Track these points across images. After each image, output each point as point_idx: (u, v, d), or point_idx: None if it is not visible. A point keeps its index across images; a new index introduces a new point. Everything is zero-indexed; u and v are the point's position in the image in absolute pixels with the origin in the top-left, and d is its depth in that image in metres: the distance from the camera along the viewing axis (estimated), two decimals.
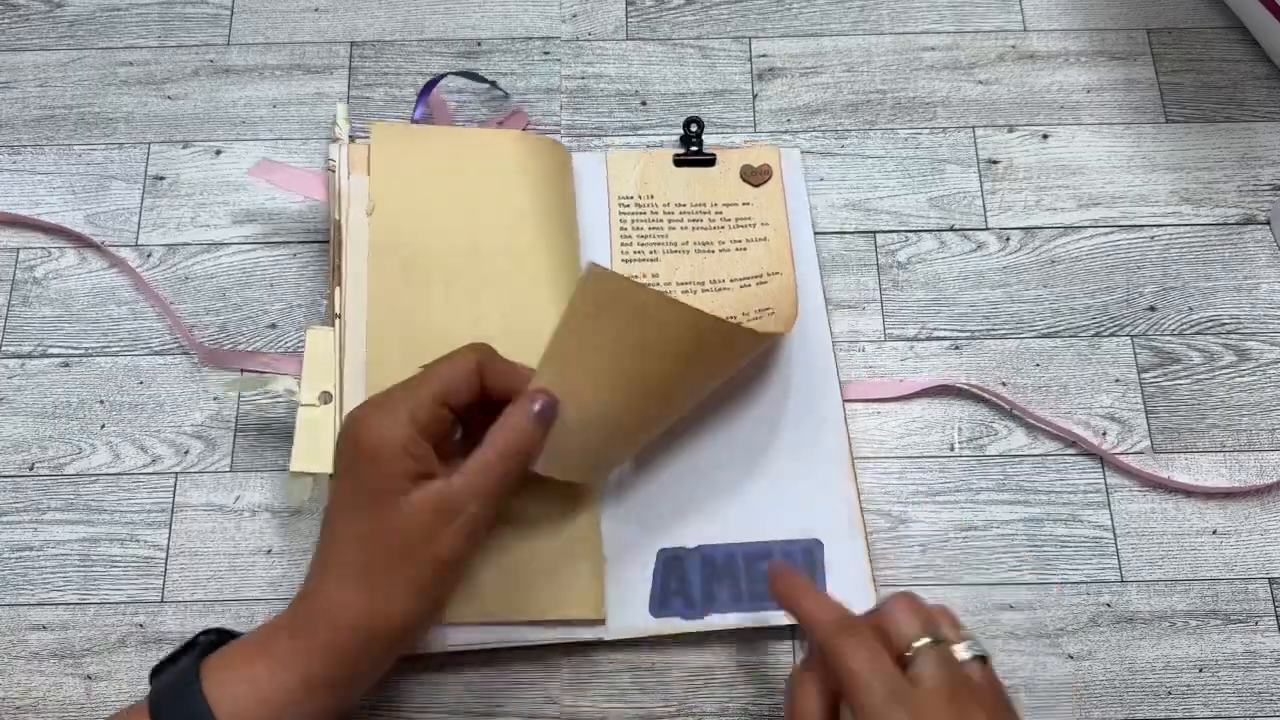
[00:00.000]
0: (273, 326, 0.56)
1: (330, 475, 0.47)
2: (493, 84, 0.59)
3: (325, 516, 0.43)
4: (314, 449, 0.49)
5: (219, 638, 0.42)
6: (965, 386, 0.54)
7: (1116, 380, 0.54)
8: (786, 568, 0.46)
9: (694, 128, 0.58)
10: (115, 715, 0.40)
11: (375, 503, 0.41)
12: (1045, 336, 0.55)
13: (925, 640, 0.39)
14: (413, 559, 0.41)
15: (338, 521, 0.42)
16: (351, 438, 0.42)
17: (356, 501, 0.41)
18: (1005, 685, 0.40)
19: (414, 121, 0.58)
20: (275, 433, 0.53)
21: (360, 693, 0.42)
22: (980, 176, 0.59)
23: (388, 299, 0.51)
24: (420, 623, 0.43)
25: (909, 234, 0.57)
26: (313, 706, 0.40)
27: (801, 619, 0.42)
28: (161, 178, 0.59)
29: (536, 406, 0.42)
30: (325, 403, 0.50)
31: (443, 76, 0.59)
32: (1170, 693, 0.49)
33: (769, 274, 0.54)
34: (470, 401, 0.43)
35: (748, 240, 0.55)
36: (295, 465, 0.48)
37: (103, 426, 0.54)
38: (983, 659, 0.39)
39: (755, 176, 0.57)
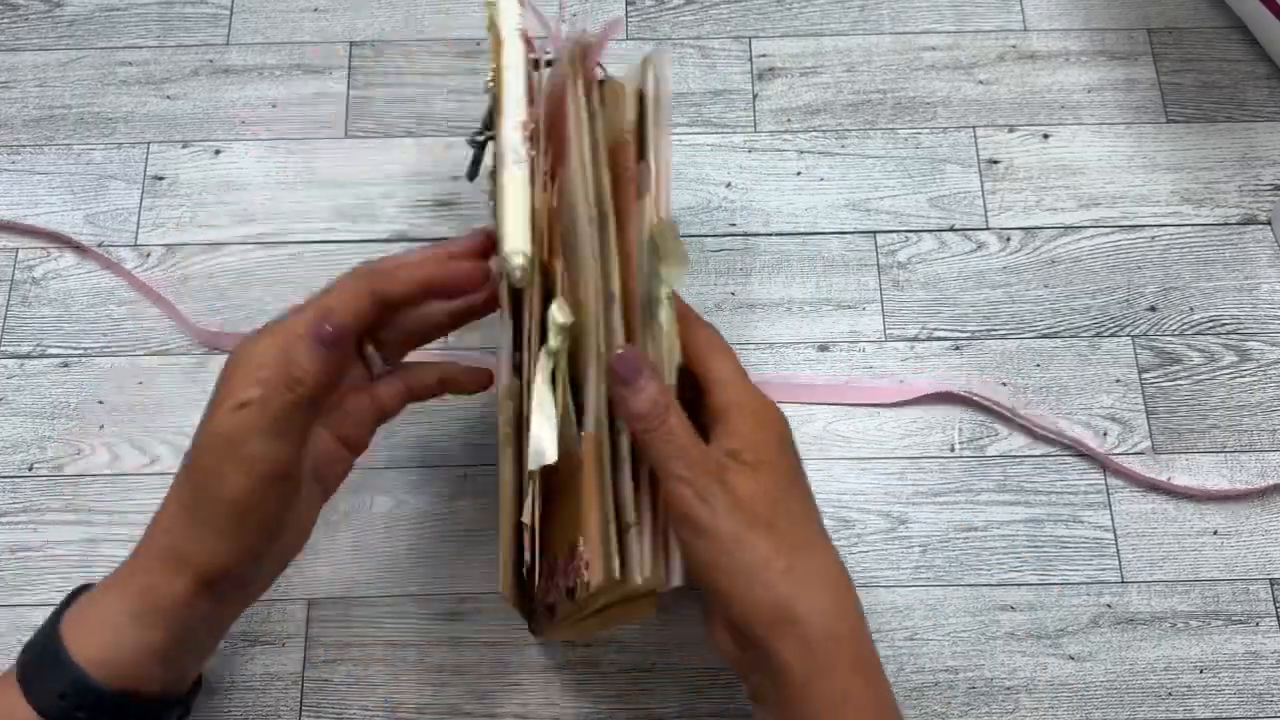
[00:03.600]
0: None
1: None
2: None
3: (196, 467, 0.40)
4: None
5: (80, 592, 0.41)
6: (964, 394, 0.53)
7: (1117, 380, 0.54)
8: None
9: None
10: None
11: (200, 429, 0.39)
12: (1046, 337, 0.55)
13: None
14: (208, 501, 0.39)
15: (214, 470, 0.39)
16: (230, 371, 0.40)
17: (236, 457, 0.38)
18: None
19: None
20: None
21: (198, 631, 0.40)
22: (981, 176, 0.59)
23: None
24: (231, 565, 0.39)
25: (909, 234, 0.57)
26: (147, 633, 0.38)
27: (682, 327, 0.40)
28: (161, 178, 0.59)
29: (317, 334, 0.39)
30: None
31: None
32: (1171, 694, 0.49)
33: None
34: (366, 328, 0.41)
35: None
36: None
37: (102, 427, 0.53)
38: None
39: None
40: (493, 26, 0.44)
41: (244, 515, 0.39)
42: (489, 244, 0.44)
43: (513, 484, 0.42)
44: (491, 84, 0.44)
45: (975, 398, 0.53)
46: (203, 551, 0.39)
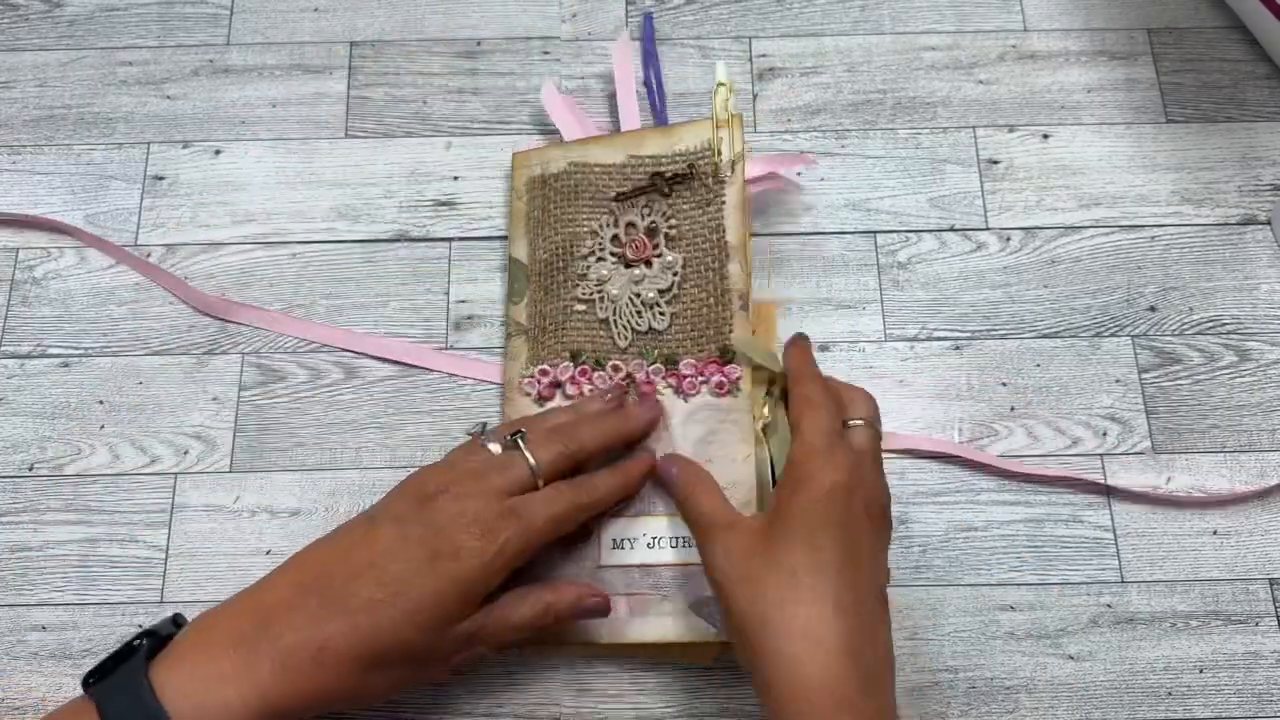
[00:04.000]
0: None
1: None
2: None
3: (370, 572, 0.41)
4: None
5: (157, 640, 0.41)
6: (954, 453, 0.53)
7: (1117, 380, 0.54)
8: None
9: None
10: (55, 712, 0.40)
11: (427, 619, 0.41)
12: (1046, 337, 0.55)
13: (859, 421, 0.45)
14: (423, 667, 0.42)
15: (377, 596, 0.41)
16: (441, 535, 0.42)
17: (408, 605, 0.41)
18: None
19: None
20: (275, 433, 0.53)
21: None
22: (981, 176, 0.59)
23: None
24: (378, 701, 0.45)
25: (909, 234, 0.57)
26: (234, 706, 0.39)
27: (787, 366, 0.48)
28: (161, 178, 0.59)
29: (586, 603, 0.45)
30: None
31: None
32: (1171, 693, 0.49)
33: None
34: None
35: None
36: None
37: (102, 427, 0.53)
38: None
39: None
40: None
41: (399, 660, 0.41)
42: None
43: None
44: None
45: (967, 456, 0.53)
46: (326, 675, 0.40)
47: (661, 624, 0.47)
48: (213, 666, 0.39)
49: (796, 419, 0.44)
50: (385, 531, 0.42)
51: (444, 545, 0.41)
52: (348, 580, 0.41)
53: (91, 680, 0.40)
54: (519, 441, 0.45)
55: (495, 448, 0.46)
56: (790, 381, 0.47)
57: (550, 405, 0.51)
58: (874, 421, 0.45)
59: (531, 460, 0.45)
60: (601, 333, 0.52)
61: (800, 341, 0.49)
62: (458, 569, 0.41)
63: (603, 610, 0.46)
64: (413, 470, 0.45)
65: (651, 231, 0.53)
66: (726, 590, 0.41)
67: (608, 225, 0.53)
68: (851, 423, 0.44)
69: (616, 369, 0.51)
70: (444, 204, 0.58)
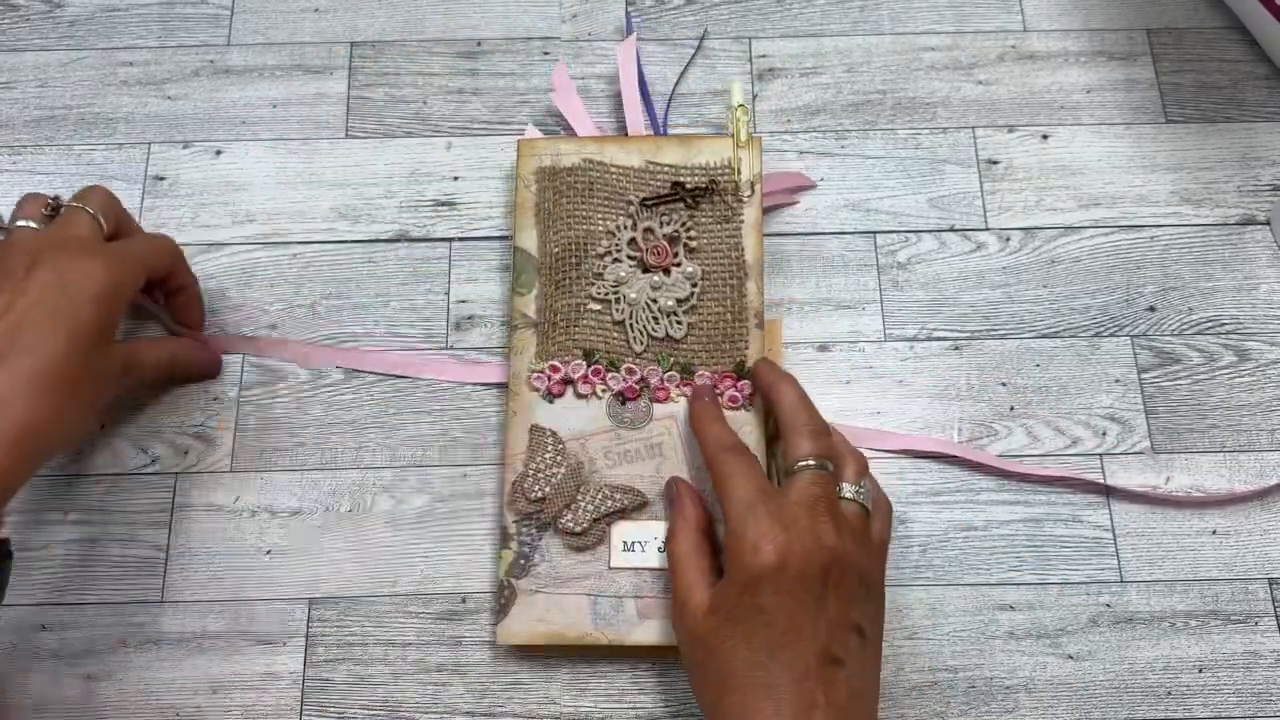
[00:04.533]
0: (273, 327, 0.56)
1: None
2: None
3: (17, 338, 0.43)
4: None
5: None
6: (953, 453, 0.53)
7: (1117, 380, 0.55)
8: (705, 391, 0.50)
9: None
10: None
11: (93, 344, 0.44)
12: (1045, 337, 0.55)
13: (810, 463, 0.44)
14: (89, 393, 0.45)
15: (28, 326, 0.43)
16: (83, 274, 0.45)
17: (72, 336, 0.43)
18: (879, 544, 0.45)
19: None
20: (275, 433, 0.53)
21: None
22: (980, 177, 0.59)
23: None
24: (55, 449, 0.46)
25: (909, 234, 0.57)
26: None
27: (699, 437, 0.48)
28: (162, 178, 0.59)
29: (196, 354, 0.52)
30: None
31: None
32: (1170, 693, 0.49)
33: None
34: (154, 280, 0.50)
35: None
36: None
37: (102, 427, 0.54)
38: (864, 509, 0.44)
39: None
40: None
41: (64, 379, 0.43)
42: None
43: None
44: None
45: (958, 454, 0.53)
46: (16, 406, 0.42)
47: (669, 627, 0.47)
48: None
49: (719, 484, 0.45)
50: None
51: (80, 280, 0.44)
52: None
53: None
54: (61, 201, 0.48)
55: (31, 223, 0.48)
56: (701, 445, 0.47)
57: (559, 402, 0.51)
58: (823, 459, 0.44)
59: (86, 208, 0.48)
60: (616, 334, 0.52)
61: (701, 390, 0.50)
62: (89, 288, 0.44)
63: (207, 368, 0.54)
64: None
65: (672, 240, 0.53)
66: (685, 664, 0.44)
67: (625, 227, 0.53)
68: (797, 466, 0.44)
69: (631, 372, 0.51)
70: (444, 204, 0.58)
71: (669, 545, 0.46)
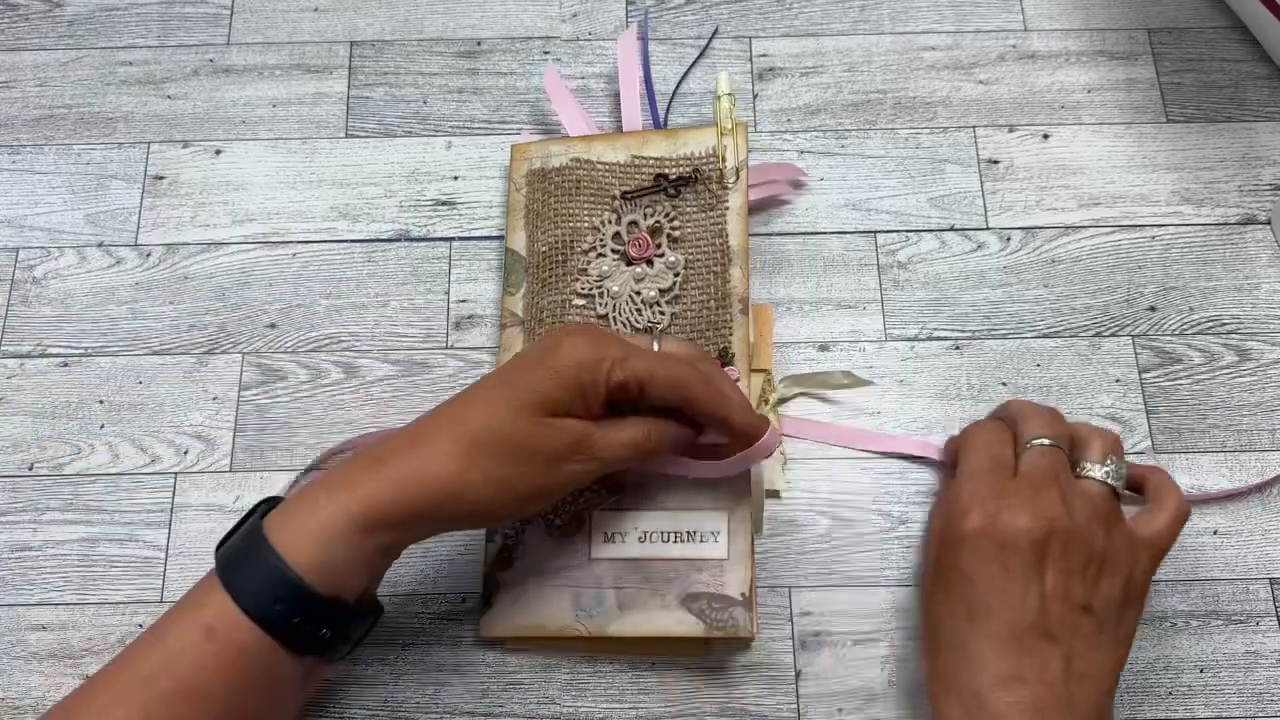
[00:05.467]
0: (272, 326, 0.56)
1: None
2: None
3: (465, 391, 0.43)
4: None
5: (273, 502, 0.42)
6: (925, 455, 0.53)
7: (1117, 380, 0.54)
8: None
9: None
10: (186, 596, 0.40)
11: (529, 410, 0.41)
12: (1046, 336, 0.55)
13: (1043, 440, 0.44)
14: (527, 469, 0.41)
15: (475, 399, 0.42)
16: (557, 345, 0.42)
17: (511, 395, 0.42)
18: (1148, 537, 0.44)
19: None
20: (275, 432, 0.53)
21: (409, 544, 0.42)
22: (981, 176, 0.59)
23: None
24: (491, 517, 0.44)
25: (909, 234, 0.57)
26: (369, 540, 0.39)
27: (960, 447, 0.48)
28: (161, 177, 0.59)
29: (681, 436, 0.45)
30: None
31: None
32: (1171, 693, 0.49)
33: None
34: (672, 405, 0.44)
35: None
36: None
37: (102, 426, 0.53)
38: (1111, 489, 0.44)
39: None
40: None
41: (542, 501, 0.42)
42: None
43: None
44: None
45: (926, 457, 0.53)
46: (479, 496, 0.40)
47: (650, 618, 0.47)
48: (315, 495, 0.40)
49: (960, 451, 0.47)
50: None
51: (550, 349, 0.42)
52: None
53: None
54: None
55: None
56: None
57: None
58: (1056, 437, 0.45)
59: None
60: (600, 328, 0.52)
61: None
62: (556, 360, 0.42)
63: (688, 444, 0.46)
64: None
65: (655, 231, 0.53)
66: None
67: (609, 222, 0.53)
68: (1034, 443, 0.44)
69: None
70: (444, 204, 0.58)
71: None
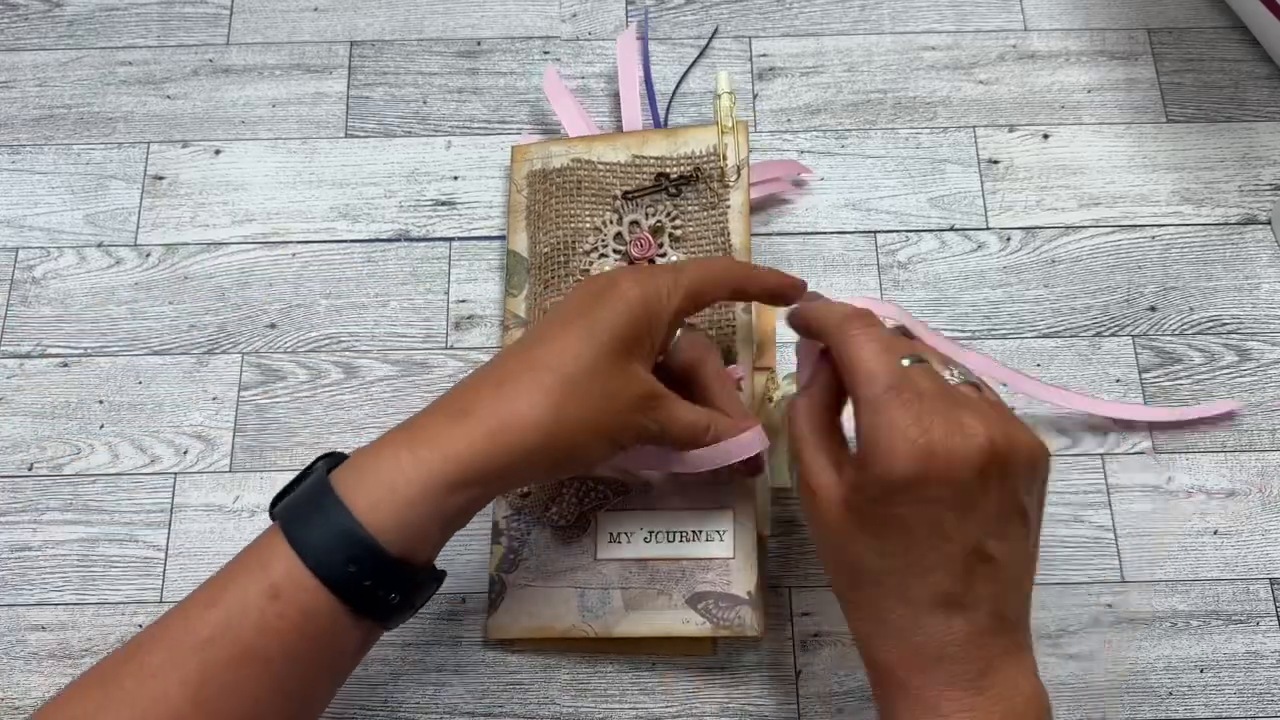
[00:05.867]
0: (272, 326, 0.56)
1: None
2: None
3: (534, 333, 0.42)
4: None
5: (336, 458, 0.40)
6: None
7: (1117, 380, 0.54)
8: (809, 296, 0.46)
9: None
10: (246, 552, 0.38)
11: (610, 348, 0.40)
12: (1046, 336, 0.55)
13: (914, 358, 0.39)
14: (611, 411, 0.40)
15: (553, 338, 0.40)
16: (613, 283, 0.42)
17: (589, 333, 0.40)
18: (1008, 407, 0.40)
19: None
20: (274, 432, 0.53)
21: (485, 504, 0.40)
22: (981, 176, 0.59)
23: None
24: (580, 462, 0.42)
25: (909, 234, 0.57)
26: (451, 499, 0.37)
27: (813, 322, 0.42)
28: (161, 177, 0.59)
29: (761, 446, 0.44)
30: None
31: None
32: (1171, 693, 0.49)
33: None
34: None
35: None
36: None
37: (101, 426, 0.53)
38: (976, 385, 0.40)
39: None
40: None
41: (562, 380, 0.39)
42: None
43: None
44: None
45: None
46: (574, 441, 0.39)
47: (657, 618, 0.47)
48: (396, 451, 0.38)
49: (845, 363, 0.39)
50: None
51: (608, 287, 0.42)
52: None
53: (275, 504, 0.39)
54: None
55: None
56: (827, 338, 0.41)
57: None
58: (914, 354, 0.40)
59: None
60: None
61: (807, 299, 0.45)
62: (623, 294, 0.41)
63: (751, 460, 0.45)
64: None
65: (656, 231, 0.53)
66: (817, 551, 0.43)
67: (611, 222, 0.53)
68: (903, 363, 0.39)
69: None
70: (444, 204, 0.58)
71: (789, 421, 0.42)
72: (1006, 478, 0.37)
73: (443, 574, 0.41)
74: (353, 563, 0.36)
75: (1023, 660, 0.38)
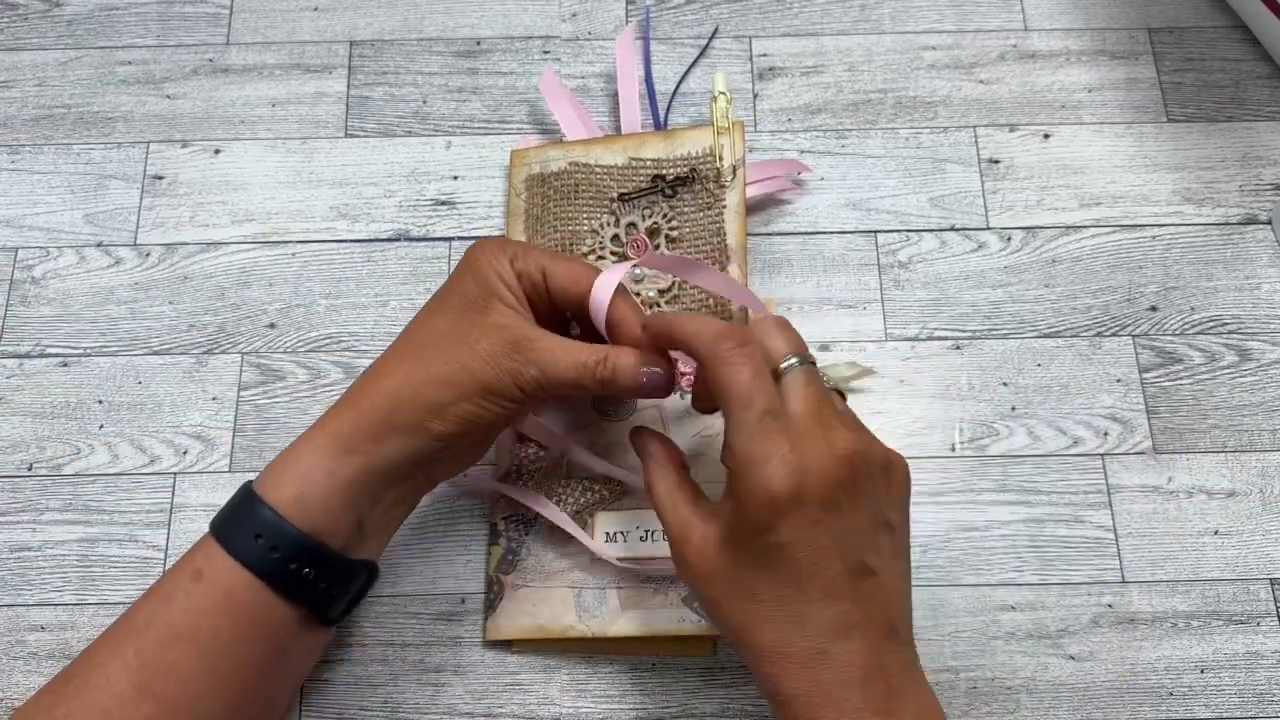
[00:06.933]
0: (271, 326, 0.55)
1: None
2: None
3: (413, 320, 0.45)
4: None
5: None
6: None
7: (1118, 380, 0.54)
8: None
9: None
10: (179, 561, 0.42)
11: (463, 305, 0.43)
12: (1046, 336, 0.55)
13: (794, 360, 0.40)
14: (469, 363, 0.42)
15: (416, 318, 0.45)
16: (466, 254, 0.45)
17: (440, 300, 0.44)
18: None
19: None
20: (274, 433, 0.53)
21: (382, 477, 0.42)
22: (981, 176, 0.59)
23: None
24: (442, 411, 0.41)
25: (910, 234, 0.57)
26: (339, 466, 0.41)
27: (684, 341, 0.41)
28: (160, 177, 0.59)
29: (643, 378, 0.43)
30: None
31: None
32: (1172, 694, 0.49)
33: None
34: (573, 305, 0.45)
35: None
36: None
37: (101, 426, 0.53)
38: (840, 393, 0.43)
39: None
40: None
41: (488, 397, 0.42)
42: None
43: None
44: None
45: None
46: (425, 392, 0.42)
47: (653, 617, 0.47)
48: (294, 443, 0.42)
49: (718, 382, 0.39)
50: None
51: (463, 257, 0.45)
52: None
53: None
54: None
55: None
56: (698, 357, 0.41)
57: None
58: (804, 353, 0.40)
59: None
60: None
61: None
62: (469, 261, 0.44)
63: (645, 387, 0.43)
64: None
65: (653, 232, 0.53)
66: (700, 603, 0.43)
67: (608, 225, 0.53)
68: (782, 368, 0.39)
69: None
70: (444, 203, 0.58)
71: (648, 490, 0.42)
72: (868, 492, 0.39)
73: (375, 569, 0.44)
74: (259, 536, 0.40)
75: (918, 674, 0.39)
